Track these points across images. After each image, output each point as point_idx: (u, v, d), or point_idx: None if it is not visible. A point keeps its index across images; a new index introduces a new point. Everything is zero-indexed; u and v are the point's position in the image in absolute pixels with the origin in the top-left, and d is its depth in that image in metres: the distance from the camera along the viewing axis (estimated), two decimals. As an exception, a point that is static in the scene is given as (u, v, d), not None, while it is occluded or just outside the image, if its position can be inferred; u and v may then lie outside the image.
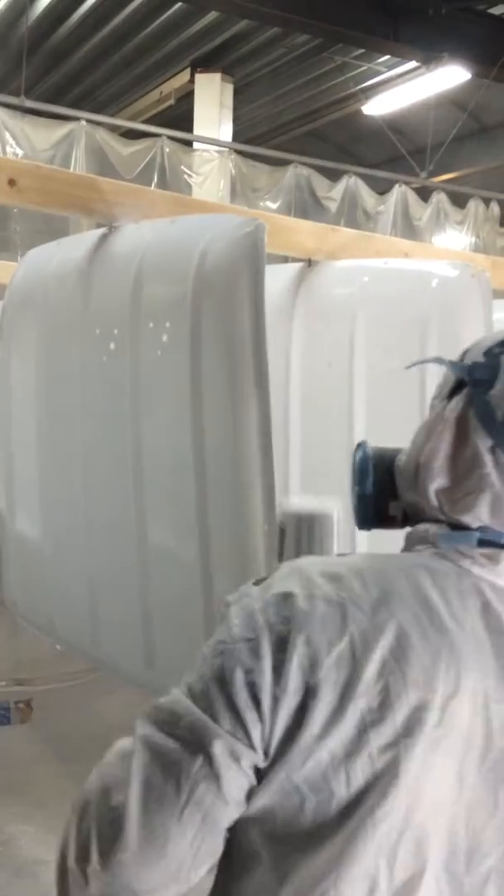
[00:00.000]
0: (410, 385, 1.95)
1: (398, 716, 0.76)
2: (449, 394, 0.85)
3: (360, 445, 0.95)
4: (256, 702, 0.77)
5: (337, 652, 0.77)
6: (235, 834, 0.81)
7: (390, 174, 8.05)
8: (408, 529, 0.91)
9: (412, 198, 7.89)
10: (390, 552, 0.89)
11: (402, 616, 0.78)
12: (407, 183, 7.92)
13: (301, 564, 0.85)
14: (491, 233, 8.45)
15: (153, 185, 6.36)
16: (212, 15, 6.65)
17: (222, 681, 0.78)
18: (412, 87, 7.31)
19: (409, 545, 0.88)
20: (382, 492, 0.92)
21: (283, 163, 7.44)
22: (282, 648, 0.77)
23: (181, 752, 0.78)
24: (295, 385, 2.19)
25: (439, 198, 8.09)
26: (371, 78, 7.80)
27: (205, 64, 7.72)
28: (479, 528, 0.82)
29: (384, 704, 0.76)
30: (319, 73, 7.78)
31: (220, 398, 1.65)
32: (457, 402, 0.84)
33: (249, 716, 0.77)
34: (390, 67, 7.52)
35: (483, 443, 0.81)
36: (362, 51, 7.05)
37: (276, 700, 0.77)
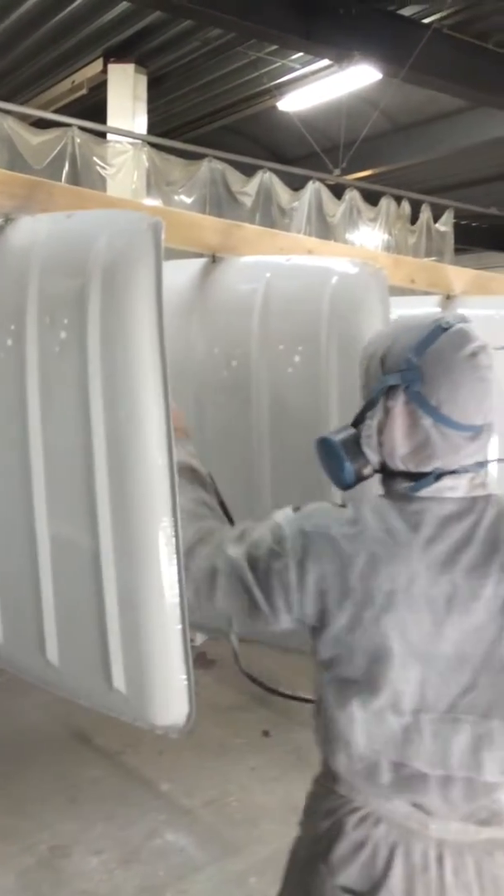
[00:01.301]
0: (310, 380, 1.98)
1: (377, 601, 1.29)
2: (386, 392, 1.32)
3: (327, 439, 1.39)
4: (286, 592, 1.35)
5: (333, 569, 1.31)
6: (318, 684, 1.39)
7: (304, 171, 8.12)
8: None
9: (326, 195, 7.98)
10: (370, 498, 1.39)
11: (370, 544, 1.30)
12: (321, 180, 8.01)
13: (311, 510, 1.40)
14: (402, 230, 8.62)
15: (64, 175, 6.25)
16: (124, 4, 6.57)
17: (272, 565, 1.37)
18: (325, 85, 7.40)
19: (386, 492, 1.39)
20: (358, 466, 1.37)
21: (198, 156, 7.41)
22: (302, 568, 1.33)
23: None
24: (197, 380, 2.19)
25: (352, 195, 8.21)
26: (285, 74, 7.86)
27: (118, 54, 7.63)
28: (434, 471, 1.31)
29: (366, 597, 1.29)
30: (234, 67, 7.79)
31: (119, 394, 1.63)
32: (398, 398, 1.31)
33: (279, 600, 1.36)
34: (304, 64, 7.59)
35: (426, 422, 1.30)
36: (276, 47, 7.09)
37: (300, 595, 1.34)
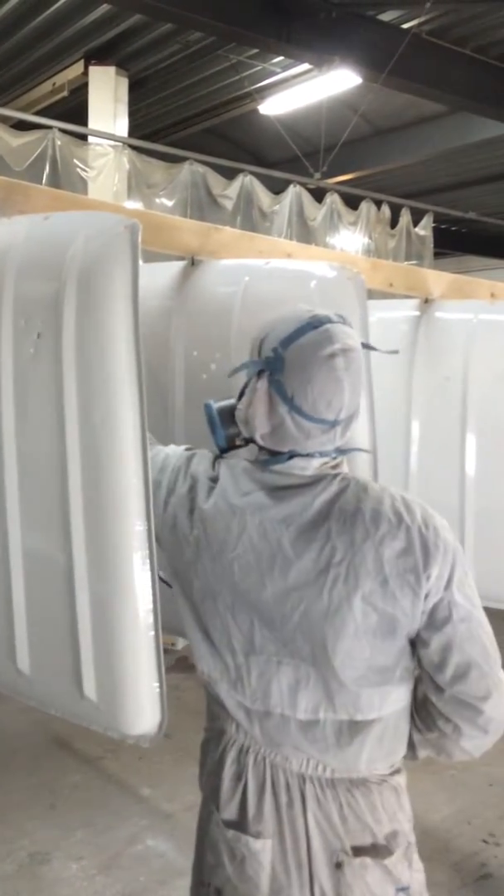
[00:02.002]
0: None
1: (213, 547, 1.47)
2: (258, 373, 1.44)
3: (208, 404, 1.56)
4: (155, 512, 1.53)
5: (186, 508, 1.53)
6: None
7: (285, 174, 8.14)
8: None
9: (307, 198, 7.99)
10: (233, 459, 1.56)
11: (218, 495, 1.50)
12: (302, 183, 8.02)
13: (194, 453, 1.62)
14: (382, 234, 8.65)
15: (44, 178, 6.22)
16: (105, 7, 6.56)
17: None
18: (306, 89, 7.41)
19: (253, 460, 1.52)
20: (231, 434, 1.54)
21: (179, 159, 7.40)
22: (168, 498, 1.57)
23: None
24: (177, 384, 2.19)
25: (333, 199, 8.23)
26: (266, 78, 7.87)
27: (99, 56, 7.61)
28: (289, 451, 1.44)
29: (206, 541, 1.49)
30: (214, 70, 7.79)
31: (94, 398, 1.62)
32: (263, 382, 1.43)
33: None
34: (284, 68, 7.60)
35: (282, 409, 1.42)
36: (256, 51, 7.10)
37: (162, 520, 1.56)
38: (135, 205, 6.86)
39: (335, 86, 7.02)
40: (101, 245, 1.61)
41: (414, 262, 8.91)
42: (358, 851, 1.43)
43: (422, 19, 6.48)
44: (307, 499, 1.43)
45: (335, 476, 1.46)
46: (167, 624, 1.57)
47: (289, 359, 1.40)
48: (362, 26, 6.43)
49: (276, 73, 7.73)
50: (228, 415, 1.54)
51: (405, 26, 6.63)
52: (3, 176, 1.97)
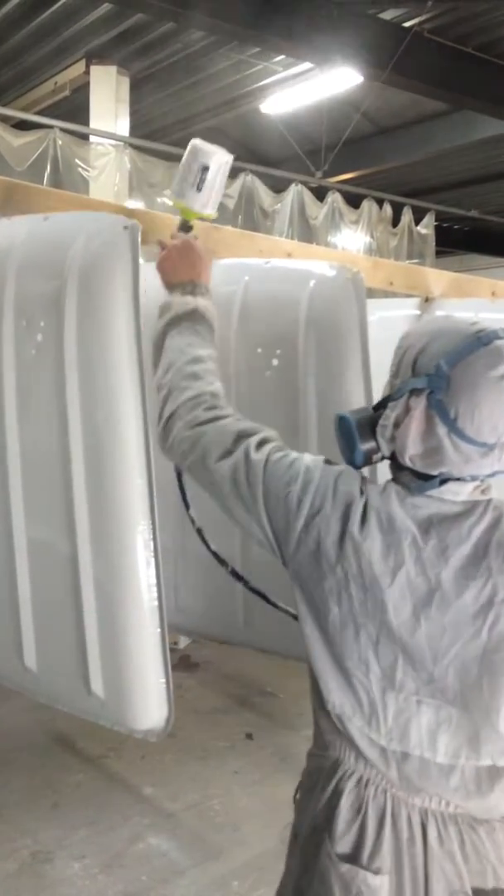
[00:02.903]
0: (288, 383, 1.98)
1: (365, 579, 1.34)
2: (411, 391, 1.33)
3: (344, 417, 1.41)
4: (287, 530, 1.39)
5: (336, 534, 1.36)
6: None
7: (286, 173, 8.13)
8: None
9: (308, 197, 8.00)
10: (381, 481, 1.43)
11: (371, 524, 1.35)
12: (303, 182, 8.02)
13: (341, 470, 1.42)
14: (384, 233, 8.66)
15: (45, 177, 6.23)
16: (106, 6, 6.56)
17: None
18: (307, 88, 7.41)
19: (395, 479, 1.41)
20: (368, 449, 1.40)
21: (180, 158, 7.39)
22: (312, 520, 1.37)
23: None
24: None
25: (334, 198, 8.23)
26: (267, 77, 7.86)
27: (100, 56, 7.61)
28: (440, 475, 1.34)
29: (356, 571, 1.34)
30: (216, 70, 7.78)
31: (97, 396, 1.63)
32: (420, 401, 1.31)
33: (280, 528, 1.40)
34: (286, 67, 7.59)
35: (441, 430, 1.30)
36: (258, 49, 7.09)
37: (298, 544, 1.38)
38: (136, 204, 6.87)
39: (337, 84, 7.02)
40: (102, 245, 1.62)
41: (416, 260, 8.91)
42: (478, 894, 1.37)
43: (423, 17, 6.47)
44: (463, 530, 1.35)
45: (488, 503, 1.38)
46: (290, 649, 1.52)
47: (455, 378, 1.29)
48: (364, 25, 6.42)
49: (278, 72, 7.73)
50: (367, 428, 1.40)
51: (406, 24, 6.62)
52: (4, 176, 1.97)
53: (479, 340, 1.30)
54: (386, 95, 7.55)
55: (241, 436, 1.45)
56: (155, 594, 1.54)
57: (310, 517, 1.37)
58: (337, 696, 1.39)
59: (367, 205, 8.57)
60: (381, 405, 1.41)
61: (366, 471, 1.45)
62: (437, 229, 9.77)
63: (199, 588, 2.19)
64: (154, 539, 1.57)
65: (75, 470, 1.64)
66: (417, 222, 9.21)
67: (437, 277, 2.87)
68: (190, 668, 4.92)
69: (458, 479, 1.34)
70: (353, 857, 1.38)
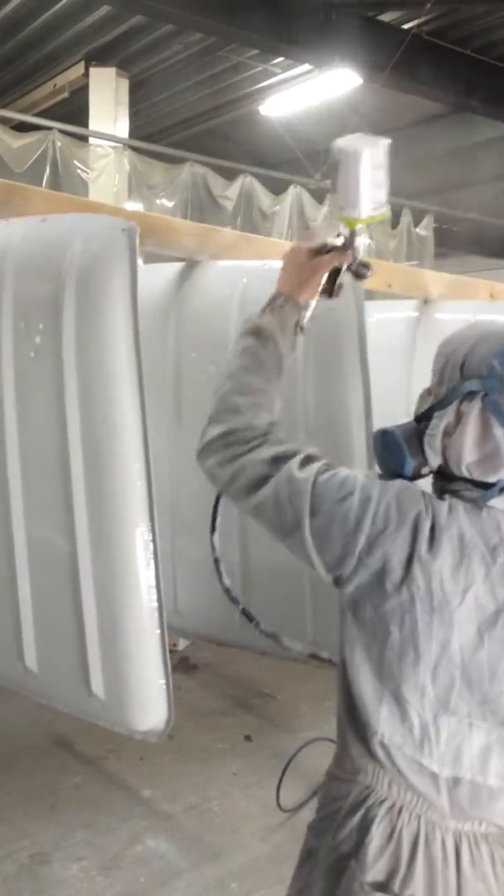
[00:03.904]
0: (286, 383, 1.98)
1: (433, 599, 1.28)
2: (464, 395, 1.29)
3: (390, 431, 1.36)
4: (345, 552, 1.30)
5: (403, 554, 1.29)
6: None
7: (285, 175, 8.14)
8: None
9: (307, 198, 8.01)
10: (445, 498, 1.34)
11: (440, 542, 1.28)
12: (302, 184, 8.03)
13: (402, 486, 1.33)
14: (383, 235, 8.67)
15: (44, 179, 6.24)
16: (106, 8, 6.57)
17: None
18: (306, 90, 7.42)
19: (452, 494, 1.33)
20: (418, 464, 1.34)
21: (179, 160, 7.41)
22: (375, 541, 1.29)
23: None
24: (175, 384, 2.20)
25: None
26: (266, 79, 7.88)
27: (99, 58, 7.62)
28: (499, 482, 1.28)
29: (422, 592, 1.28)
30: (215, 71, 7.80)
31: (95, 397, 1.63)
32: (474, 405, 1.28)
33: (328, 553, 1.32)
34: (285, 69, 7.61)
35: (499, 431, 1.26)
36: (257, 51, 7.11)
37: (357, 564, 1.29)
38: (135, 206, 6.87)
39: (335, 86, 7.04)
40: (100, 247, 1.62)
41: (415, 262, 8.91)
42: None
43: (422, 20, 6.49)
44: None
45: None
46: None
47: None
48: (362, 27, 6.43)
49: (277, 74, 7.75)
50: (414, 441, 1.35)
51: (405, 27, 6.63)
52: (2, 178, 1.97)
53: None
54: (385, 97, 7.55)
55: (280, 458, 1.36)
56: (154, 596, 1.54)
57: (372, 537, 1.30)
58: (387, 726, 1.34)
59: (366, 207, 8.56)
60: (423, 417, 1.36)
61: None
62: (436, 231, 9.78)
63: (197, 590, 2.19)
64: (153, 541, 1.57)
65: (74, 472, 1.64)
66: (416, 224, 9.21)
67: (436, 279, 2.88)
68: (189, 670, 4.91)
69: None
70: (385, 886, 1.35)
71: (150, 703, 1.58)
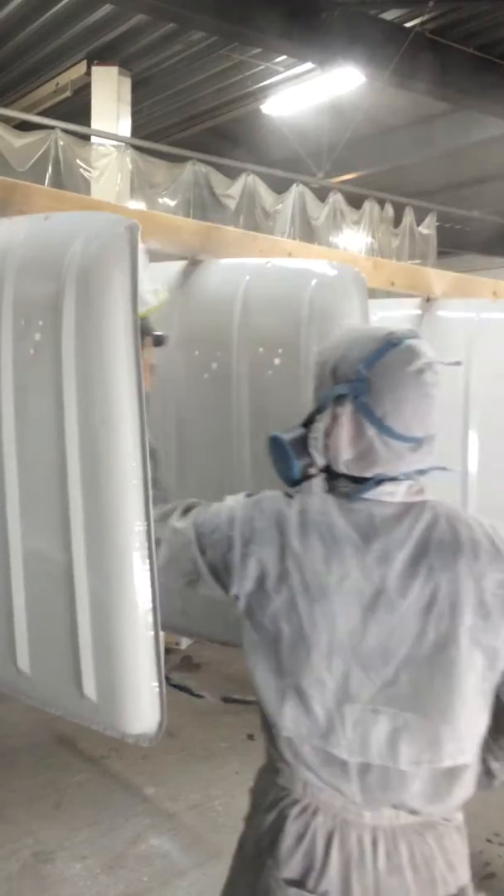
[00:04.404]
0: (290, 383, 1.98)
1: (311, 591, 1.37)
2: (336, 398, 1.39)
3: (277, 437, 1.46)
4: (228, 569, 1.44)
5: (275, 554, 1.40)
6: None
7: (288, 173, 8.14)
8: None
9: (310, 197, 8.01)
10: (316, 493, 1.46)
11: (311, 535, 1.39)
12: (305, 183, 8.02)
13: (262, 496, 1.49)
14: (386, 233, 8.66)
15: (47, 178, 6.24)
16: (107, 7, 6.56)
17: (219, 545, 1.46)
18: (309, 88, 7.42)
19: (331, 490, 1.45)
20: (304, 465, 1.44)
21: (181, 159, 7.41)
22: (246, 549, 1.42)
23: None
24: (177, 383, 2.19)
25: (336, 198, 8.23)
26: (268, 77, 7.86)
27: (101, 57, 7.62)
28: (375, 477, 1.39)
29: (301, 585, 1.37)
30: (217, 70, 7.79)
31: (94, 398, 1.62)
32: (346, 407, 1.38)
33: (222, 575, 1.45)
34: (288, 68, 7.60)
35: (371, 431, 1.37)
36: (259, 50, 7.10)
37: (241, 575, 1.42)
38: (137, 205, 6.87)
39: (338, 85, 7.03)
40: (101, 245, 1.61)
41: (418, 261, 8.91)
42: None
43: (424, 18, 6.48)
44: (403, 531, 1.39)
45: (423, 504, 1.42)
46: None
47: (375, 379, 1.36)
48: (365, 25, 6.42)
49: (279, 73, 7.73)
50: (299, 445, 1.45)
51: (408, 25, 6.62)
52: (4, 176, 1.97)
53: (390, 342, 1.38)
54: (387, 96, 7.54)
55: (161, 519, 1.53)
56: (149, 598, 1.53)
57: (243, 547, 1.42)
58: (291, 721, 1.39)
59: (368, 205, 8.57)
60: (309, 421, 1.45)
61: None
62: (439, 230, 9.77)
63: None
64: (149, 542, 1.56)
65: (71, 471, 1.63)
66: (419, 223, 9.20)
67: (439, 278, 2.87)
68: (191, 669, 4.92)
69: (392, 480, 1.39)
70: (300, 882, 1.39)
71: (142, 707, 1.56)
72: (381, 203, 8.71)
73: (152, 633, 1.51)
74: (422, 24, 6.49)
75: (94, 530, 1.56)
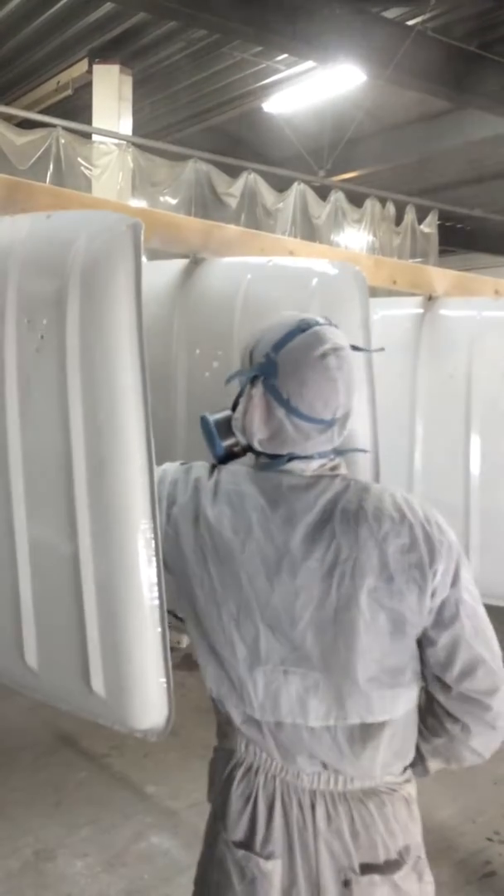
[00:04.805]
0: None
1: (219, 554, 1.45)
2: (251, 381, 1.45)
3: (204, 417, 1.56)
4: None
5: (189, 518, 1.50)
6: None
7: (289, 172, 8.13)
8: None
9: (311, 196, 8.01)
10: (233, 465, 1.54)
11: (221, 501, 1.48)
12: (306, 181, 8.02)
13: (191, 465, 1.58)
14: (387, 232, 8.66)
15: (48, 176, 6.24)
16: (109, 5, 6.56)
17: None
18: (310, 87, 7.41)
19: (252, 465, 1.52)
20: (229, 444, 1.53)
21: (183, 157, 7.41)
22: (169, 511, 1.52)
23: None
24: (180, 381, 2.19)
25: (337, 197, 8.23)
26: (270, 76, 7.86)
27: (103, 55, 7.62)
28: (288, 454, 1.45)
29: (212, 549, 1.46)
30: (219, 68, 7.79)
31: (98, 395, 1.62)
32: (258, 388, 1.44)
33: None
34: (289, 66, 7.59)
35: (280, 412, 1.42)
36: (261, 48, 7.09)
37: (165, 537, 1.50)
38: (139, 203, 6.87)
39: (339, 83, 7.02)
40: (104, 243, 1.61)
41: (419, 259, 8.91)
42: (366, 869, 1.42)
43: (426, 16, 6.47)
44: (310, 499, 1.44)
45: (334, 476, 1.47)
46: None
47: (281, 362, 1.42)
48: (366, 23, 6.41)
49: (281, 71, 7.73)
50: (225, 425, 1.55)
51: (409, 23, 6.61)
52: (5, 174, 1.97)
53: (299, 328, 1.44)
54: (389, 94, 7.54)
55: None
56: (156, 593, 1.53)
57: (168, 508, 1.53)
58: (213, 681, 1.49)
59: (370, 204, 8.57)
60: (235, 404, 1.52)
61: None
62: (441, 228, 9.77)
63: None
64: (155, 538, 1.57)
65: (77, 469, 1.63)
66: (420, 221, 9.20)
67: (440, 276, 2.87)
68: (192, 667, 4.92)
69: (304, 458, 1.46)
70: (247, 844, 1.46)
71: (150, 702, 1.57)
72: (383, 201, 8.71)
73: (159, 628, 1.51)
74: (423, 22, 6.48)
75: (100, 527, 1.57)
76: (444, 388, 2.72)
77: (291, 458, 1.46)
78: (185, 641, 5.45)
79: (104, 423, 1.60)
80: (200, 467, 1.57)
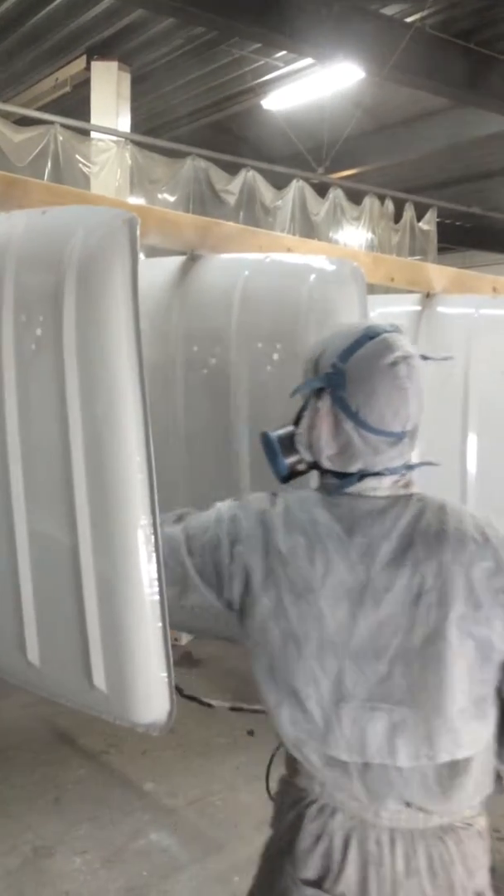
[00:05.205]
0: (288, 378, 1.98)
1: (297, 588, 1.36)
2: (317, 393, 1.39)
3: (266, 434, 1.47)
4: (218, 571, 1.43)
5: (260, 553, 1.39)
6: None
7: (288, 169, 8.13)
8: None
9: (310, 193, 8.00)
10: (301, 490, 1.47)
11: (295, 533, 1.38)
12: (305, 178, 8.01)
13: (248, 498, 1.49)
14: (386, 229, 8.65)
15: (46, 173, 6.23)
16: (107, 2, 6.55)
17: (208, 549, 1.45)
18: (308, 84, 7.40)
19: (319, 486, 1.45)
20: (292, 462, 1.45)
21: (181, 155, 7.40)
22: (233, 549, 1.41)
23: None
24: (177, 378, 2.19)
25: (336, 194, 8.23)
26: (268, 73, 7.85)
27: (101, 52, 7.60)
28: (358, 472, 1.38)
29: (287, 584, 1.36)
30: (217, 65, 7.77)
31: (96, 391, 1.62)
32: (325, 400, 1.37)
33: (212, 577, 1.44)
34: (287, 63, 7.58)
35: (348, 425, 1.36)
36: (259, 45, 7.08)
37: (230, 575, 1.41)
38: (137, 200, 6.86)
39: (338, 80, 7.02)
40: (100, 239, 1.61)
41: (418, 256, 8.90)
42: None
43: (424, 13, 6.46)
44: (387, 523, 1.37)
45: (409, 496, 1.40)
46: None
47: (350, 372, 1.35)
48: (365, 20, 6.40)
49: (279, 68, 7.72)
50: (288, 442, 1.46)
51: (408, 20, 6.61)
52: (3, 171, 1.97)
53: (367, 335, 1.37)
54: (387, 91, 7.53)
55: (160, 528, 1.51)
56: (156, 589, 1.53)
57: (230, 547, 1.42)
58: (289, 724, 1.38)
59: (368, 201, 8.57)
60: (298, 418, 1.45)
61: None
62: (439, 226, 9.76)
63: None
64: (155, 534, 1.57)
65: (76, 465, 1.63)
66: (419, 218, 9.19)
67: (439, 273, 2.87)
68: (192, 665, 4.92)
69: (375, 475, 1.38)
70: (318, 883, 1.38)
71: (152, 696, 1.57)
72: (382, 199, 8.70)
73: (160, 623, 1.51)
74: (422, 19, 6.48)
75: (100, 522, 1.57)
76: (442, 385, 2.72)
77: (362, 475, 1.38)
78: (184, 639, 5.46)
79: (102, 419, 1.60)
80: (258, 499, 1.47)
